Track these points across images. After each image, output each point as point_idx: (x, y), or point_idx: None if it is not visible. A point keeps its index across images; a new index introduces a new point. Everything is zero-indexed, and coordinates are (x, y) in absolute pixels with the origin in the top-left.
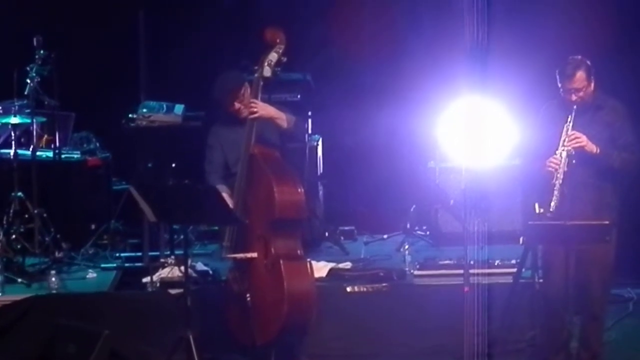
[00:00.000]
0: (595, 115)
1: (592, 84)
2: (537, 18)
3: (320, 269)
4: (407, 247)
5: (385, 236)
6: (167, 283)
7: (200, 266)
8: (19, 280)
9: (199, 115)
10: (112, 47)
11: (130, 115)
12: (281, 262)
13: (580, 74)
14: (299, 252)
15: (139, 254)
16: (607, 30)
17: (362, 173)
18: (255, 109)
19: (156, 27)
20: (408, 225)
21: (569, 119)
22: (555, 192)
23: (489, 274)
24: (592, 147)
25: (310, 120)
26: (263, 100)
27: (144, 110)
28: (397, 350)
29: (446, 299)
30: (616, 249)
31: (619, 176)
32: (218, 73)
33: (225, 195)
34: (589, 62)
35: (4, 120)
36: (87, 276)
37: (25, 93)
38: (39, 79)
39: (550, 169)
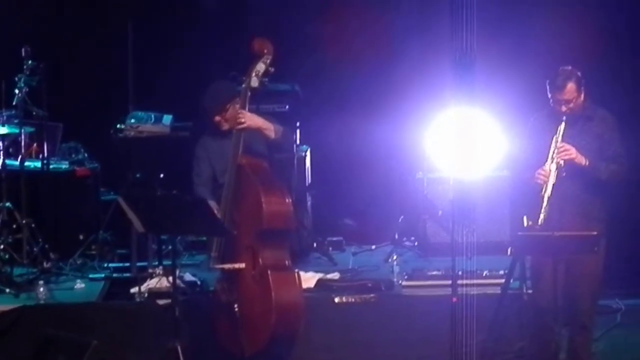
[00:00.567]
0: (585, 126)
1: (582, 95)
2: (525, 28)
3: (308, 279)
4: (395, 257)
5: (373, 247)
6: (155, 293)
7: (188, 276)
8: (7, 290)
9: (187, 125)
10: (101, 57)
11: (118, 126)
12: (269, 272)
13: (571, 85)
14: (286, 262)
15: (127, 264)
16: (595, 39)
17: (350, 184)
18: (242, 120)
19: (145, 37)
20: (396, 236)
21: (558, 130)
22: (544, 205)
23: (477, 285)
24: (582, 159)
25: (298, 131)
26: (251, 111)
27: (132, 120)
28: None
29: (434, 310)
30: (604, 260)
31: (607, 189)
32: (206, 84)
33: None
34: (579, 73)
35: None
36: (76, 286)
37: (14, 103)
38: (27, 89)
39: (539, 181)
